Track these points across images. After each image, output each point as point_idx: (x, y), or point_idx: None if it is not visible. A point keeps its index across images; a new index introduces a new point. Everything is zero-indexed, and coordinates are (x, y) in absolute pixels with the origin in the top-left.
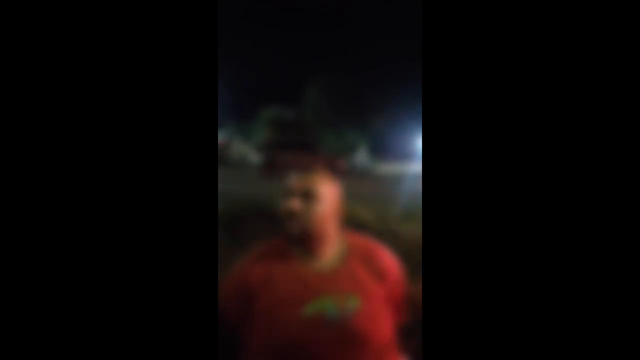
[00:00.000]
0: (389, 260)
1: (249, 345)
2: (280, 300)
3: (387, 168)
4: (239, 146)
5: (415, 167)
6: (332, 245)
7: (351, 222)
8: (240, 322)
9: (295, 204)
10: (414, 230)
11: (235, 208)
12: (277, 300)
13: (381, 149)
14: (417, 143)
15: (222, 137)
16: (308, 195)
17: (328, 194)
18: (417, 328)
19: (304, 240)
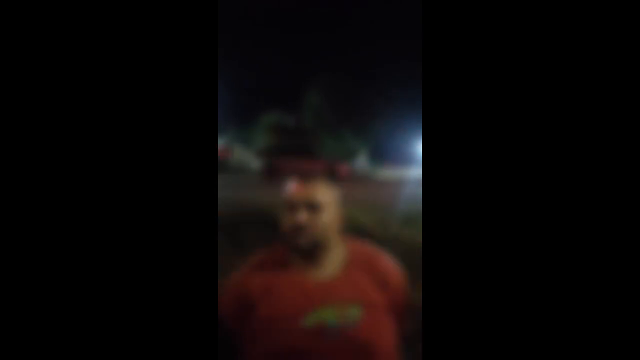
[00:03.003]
0: (390, 267)
1: (248, 354)
2: (280, 309)
3: (388, 173)
4: (239, 152)
5: (415, 172)
6: (333, 254)
7: (352, 227)
8: (239, 331)
9: (302, 217)
10: (415, 235)
11: (235, 214)
12: (277, 310)
13: (382, 154)
14: (418, 148)
15: (222, 142)
16: (313, 207)
17: (330, 202)
18: (418, 335)
19: (312, 251)
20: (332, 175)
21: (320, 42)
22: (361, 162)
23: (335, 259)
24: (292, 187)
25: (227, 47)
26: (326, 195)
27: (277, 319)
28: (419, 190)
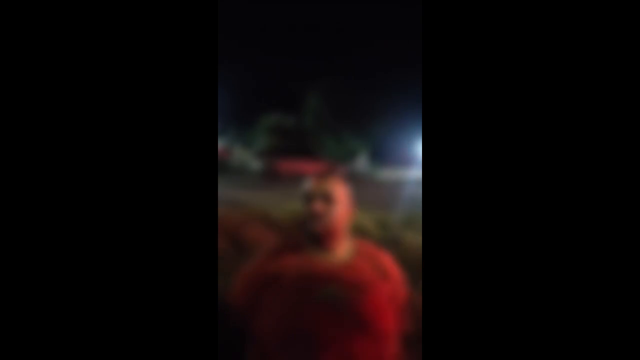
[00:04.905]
0: (392, 264)
1: (258, 330)
2: (291, 286)
3: (388, 174)
4: (240, 153)
5: (415, 173)
6: (343, 245)
7: (352, 228)
8: (250, 311)
9: (319, 206)
10: (415, 236)
11: (235, 214)
12: (288, 287)
13: (382, 155)
14: (418, 149)
15: (222, 143)
16: (328, 198)
17: (342, 197)
18: (418, 337)
19: (324, 238)
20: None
21: (320, 43)
22: (361, 163)
23: (344, 249)
24: (309, 183)
25: (227, 48)
26: (340, 190)
27: (287, 294)
28: (419, 191)
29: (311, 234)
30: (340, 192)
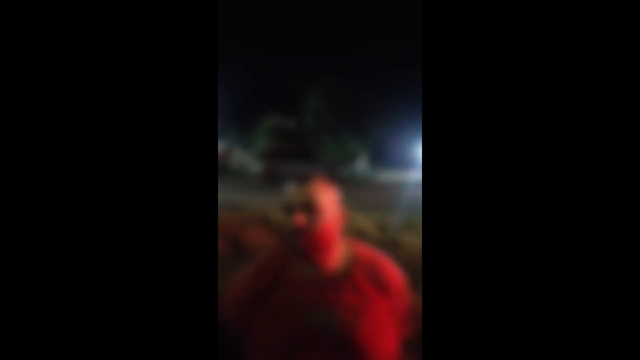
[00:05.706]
0: (392, 272)
1: (251, 350)
2: (283, 308)
3: (388, 176)
4: (240, 155)
5: (415, 175)
6: (337, 254)
7: (352, 230)
8: (243, 328)
9: (299, 219)
10: (415, 238)
11: (235, 216)
12: (280, 308)
13: (382, 157)
14: (418, 151)
15: (222, 145)
16: (310, 208)
17: (329, 203)
18: (418, 339)
19: (310, 253)
20: (332, 177)
21: (320, 43)
22: (361, 165)
23: (339, 259)
24: (291, 189)
25: (227, 48)
26: (325, 196)
27: (279, 317)
28: (419, 194)
29: (295, 250)
30: (325, 198)
